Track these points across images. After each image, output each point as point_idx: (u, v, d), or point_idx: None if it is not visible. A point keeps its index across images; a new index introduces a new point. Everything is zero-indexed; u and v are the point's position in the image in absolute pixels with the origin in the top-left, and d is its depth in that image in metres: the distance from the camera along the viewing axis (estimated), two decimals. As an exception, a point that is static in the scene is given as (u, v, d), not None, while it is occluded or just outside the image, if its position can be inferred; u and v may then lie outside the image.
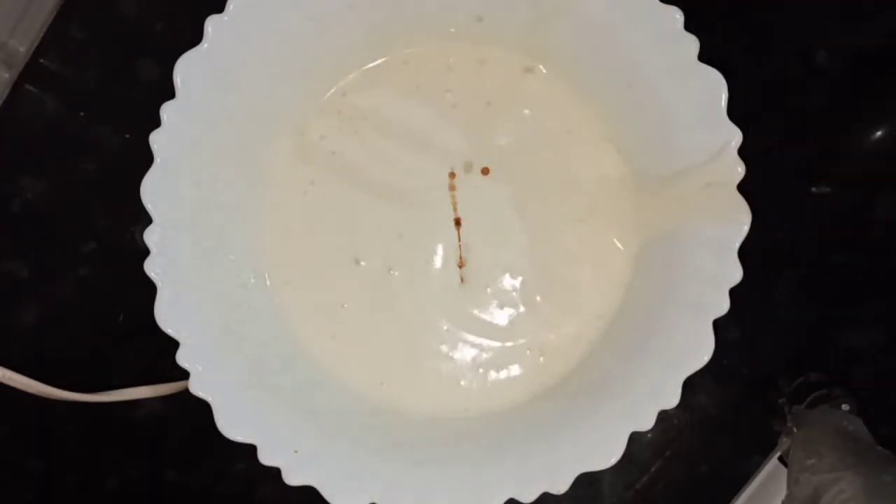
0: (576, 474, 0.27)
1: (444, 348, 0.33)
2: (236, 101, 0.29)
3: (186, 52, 0.27)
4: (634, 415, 0.28)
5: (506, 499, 0.28)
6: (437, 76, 0.32)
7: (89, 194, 0.35)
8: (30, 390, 0.33)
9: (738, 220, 0.27)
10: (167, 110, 0.27)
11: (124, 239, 0.35)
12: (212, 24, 0.27)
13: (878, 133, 0.35)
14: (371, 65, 0.33)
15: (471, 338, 0.33)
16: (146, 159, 0.27)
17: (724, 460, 0.36)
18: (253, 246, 0.32)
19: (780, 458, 0.35)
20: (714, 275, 0.28)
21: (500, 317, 0.33)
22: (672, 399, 0.27)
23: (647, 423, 0.27)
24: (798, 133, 0.35)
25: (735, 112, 0.27)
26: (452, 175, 0.33)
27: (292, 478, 0.27)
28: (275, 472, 0.27)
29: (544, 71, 0.33)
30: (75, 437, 0.36)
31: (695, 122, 0.28)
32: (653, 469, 0.36)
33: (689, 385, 0.27)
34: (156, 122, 0.27)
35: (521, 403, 0.32)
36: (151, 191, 0.27)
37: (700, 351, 0.27)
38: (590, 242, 0.32)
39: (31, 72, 0.35)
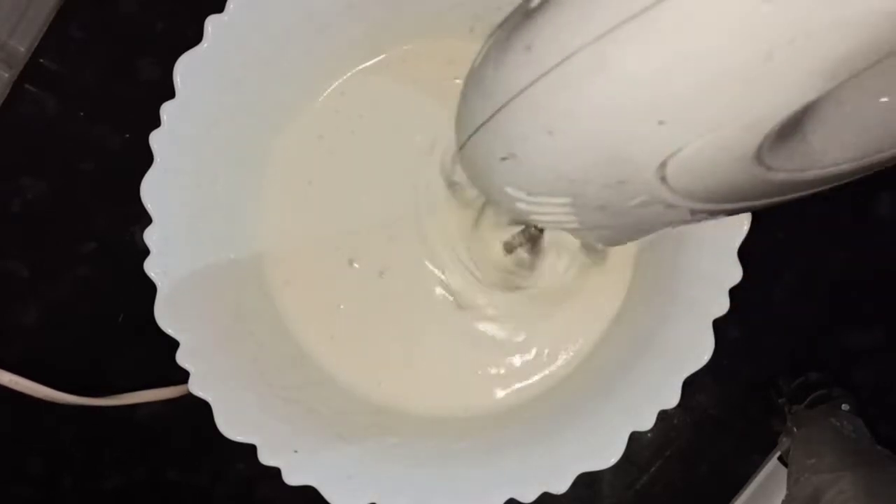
0: (576, 474, 0.27)
1: (444, 348, 0.32)
2: (236, 101, 0.29)
3: (186, 52, 0.27)
4: (634, 415, 0.28)
5: (506, 499, 0.28)
6: (436, 73, 0.32)
7: (89, 194, 0.35)
8: (35, 394, 0.33)
9: (738, 220, 0.27)
10: (167, 110, 0.27)
11: (124, 239, 0.35)
12: (212, 24, 0.27)
13: (878, 133, 0.35)
14: (369, 63, 0.33)
15: (470, 337, 0.32)
16: (146, 159, 0.27)
17: (724, 460, 0.36)
18: (253, 246, 0.32)
19: (780, 458, 0.35)
20: (714, 275, 0.28)
21: (500, 317, 0.33)
22: (672, 399, 0.27)
23: (647, 423, 0.27)
24: (798, 133, 0.35)
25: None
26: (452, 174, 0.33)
27: (292, 478, 0.27)
28: (275, 472, 0.27)
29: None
30: (75, 438, 0.36)
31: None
32: (653, 469, 0.36)
33: (689, 385, 0.27)
34: (156, 122, 0.27)
35: (521, 403, 0.32)
36: (151, 191, 0.27)
37: (700, 351, 0.27)
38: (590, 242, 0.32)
39: (31, 72, 0.35)
